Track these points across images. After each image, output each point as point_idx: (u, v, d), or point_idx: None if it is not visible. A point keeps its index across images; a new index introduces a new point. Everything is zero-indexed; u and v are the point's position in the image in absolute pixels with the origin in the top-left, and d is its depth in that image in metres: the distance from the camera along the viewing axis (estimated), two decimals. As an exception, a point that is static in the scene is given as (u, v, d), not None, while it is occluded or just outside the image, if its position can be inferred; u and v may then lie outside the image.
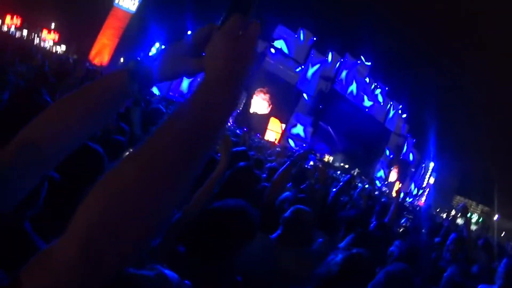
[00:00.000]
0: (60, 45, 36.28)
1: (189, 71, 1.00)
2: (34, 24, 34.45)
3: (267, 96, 37.50)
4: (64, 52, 32.26)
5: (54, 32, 36.80)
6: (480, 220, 53.20)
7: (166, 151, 0.74)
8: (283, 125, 38.79)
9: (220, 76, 0.83)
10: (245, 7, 0.86)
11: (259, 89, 36.81)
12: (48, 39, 36.26)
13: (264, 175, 5.29)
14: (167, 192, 0.75)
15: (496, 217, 34.32)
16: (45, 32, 36.33)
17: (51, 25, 36.32)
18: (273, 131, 37.84)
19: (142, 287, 1.21)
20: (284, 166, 4.03)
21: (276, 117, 38.27)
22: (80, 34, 34.17)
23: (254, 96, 36.94)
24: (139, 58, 1.08)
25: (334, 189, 6.08)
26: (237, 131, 13.66)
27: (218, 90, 0.81)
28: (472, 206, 55.09)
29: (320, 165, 5.22)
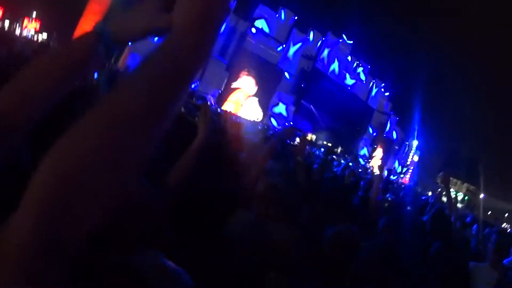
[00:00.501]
0: (41, 33, 35.87)
1: (158, 28, 0.95)
2: (15, 14, 33.98)
3: (251, 77, 36.48)
4: (46, 39, 31.90)
5: (35, 21, 36.37)
6: (465, 199, 54.05)
7: (135, 99, 0.66)
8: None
9: (193, 21, 0.76)
10: None
11: (245, 70, 35.97)
12: (29, 28, 35.82)
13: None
14: (137, 144, 0.66)
15: (482, 196, 34.83)
16: (26, 21, 35.87)
17: (32, 14, 35.87)
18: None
19: (142, 277, 1.08)
20: (269, 143, 3.92)
21: (258, 96, 36.87)
22: (61, 21, 33.77)
23: (241, 76, 36.02)
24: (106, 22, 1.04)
25: (315, 165, 6.05)
26: (219, 110, 13.62)
27: (190, 35, 0.75)
28: (457, 184, 55.79)
29: (300, 140, 5.14)
